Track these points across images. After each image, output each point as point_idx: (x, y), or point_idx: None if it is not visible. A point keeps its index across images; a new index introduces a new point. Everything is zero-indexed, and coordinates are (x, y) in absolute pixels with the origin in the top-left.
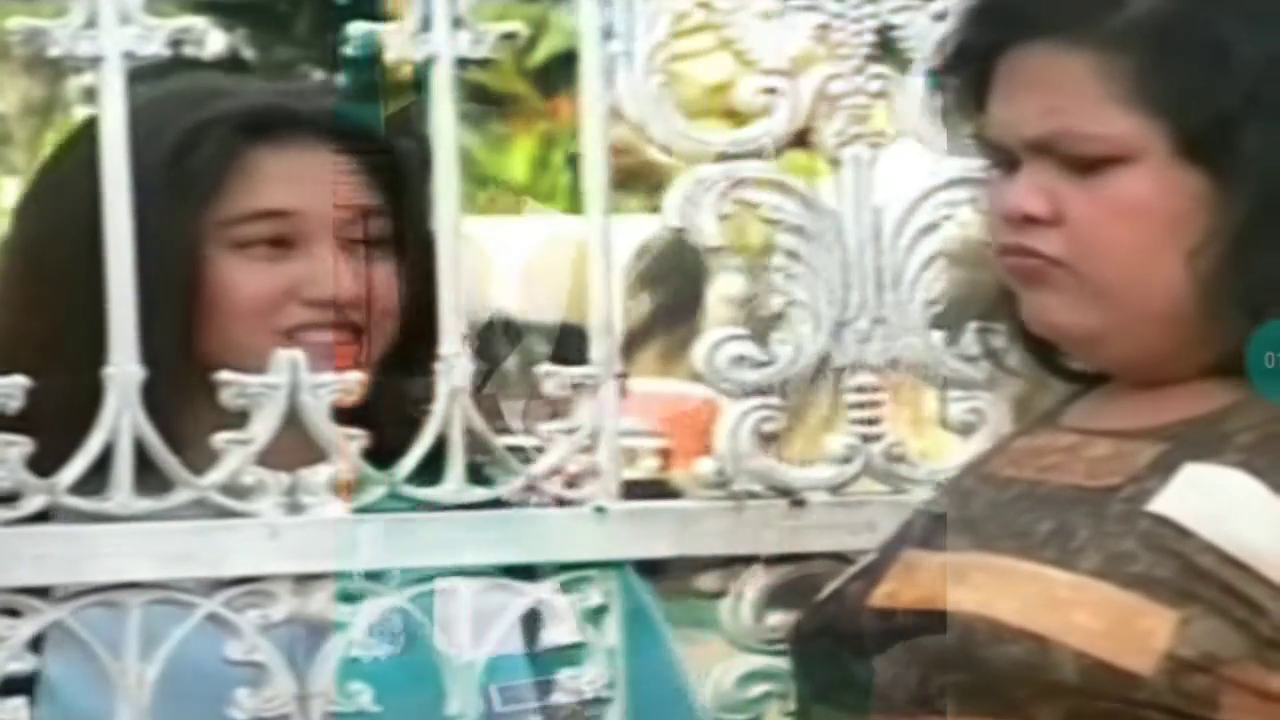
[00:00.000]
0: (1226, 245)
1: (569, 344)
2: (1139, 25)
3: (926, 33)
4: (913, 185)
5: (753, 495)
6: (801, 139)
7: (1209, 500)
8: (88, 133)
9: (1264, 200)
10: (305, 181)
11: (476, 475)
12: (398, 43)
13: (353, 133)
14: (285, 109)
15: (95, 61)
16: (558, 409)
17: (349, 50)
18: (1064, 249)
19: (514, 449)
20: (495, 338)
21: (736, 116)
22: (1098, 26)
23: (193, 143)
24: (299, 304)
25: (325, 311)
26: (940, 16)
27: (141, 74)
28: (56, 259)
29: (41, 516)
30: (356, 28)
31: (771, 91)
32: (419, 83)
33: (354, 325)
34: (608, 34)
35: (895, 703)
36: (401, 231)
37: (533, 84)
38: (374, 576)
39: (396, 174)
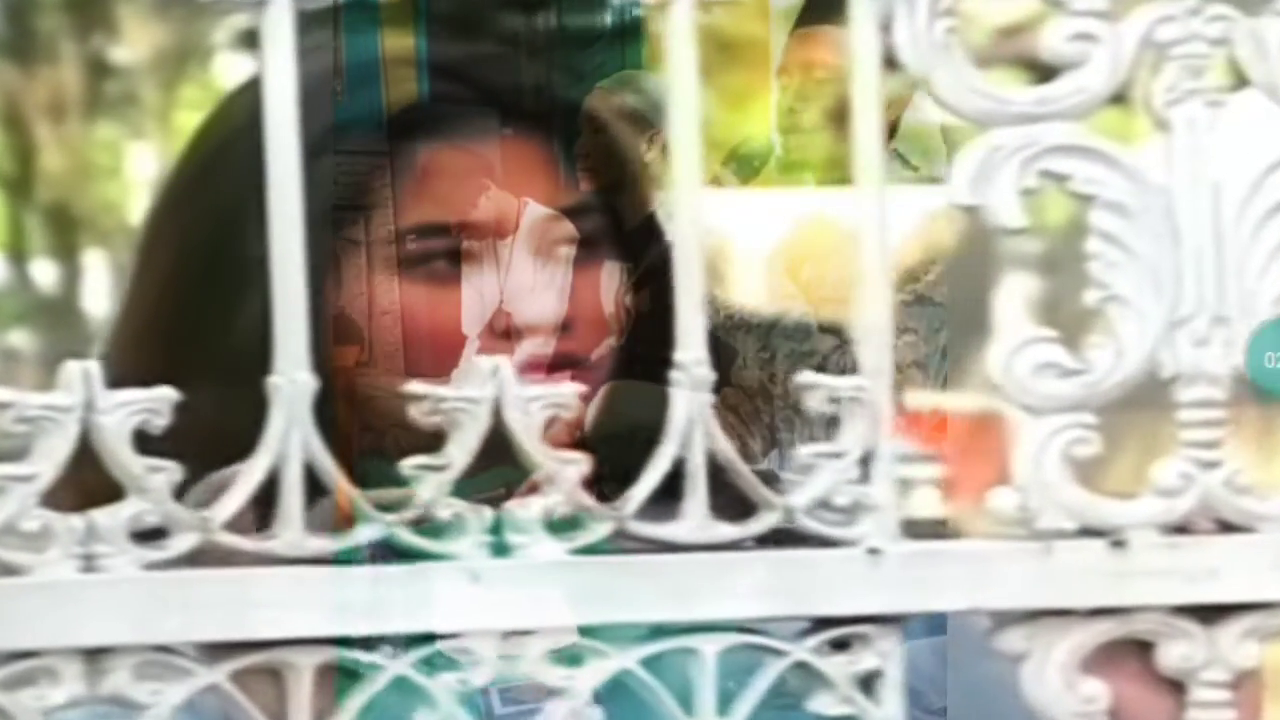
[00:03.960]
0: None
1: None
2: None
3: None
4: (1261, 153)
5: (1062, 534)
6: (1115, 95)
7: None
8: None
9: None
10: (489, 182)
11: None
12: None
13: (553, 111)
14: (455, 97)
15: (258, 4)
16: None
17: None
18: None
19: (765, 477)
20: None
21: (1036, 67)
22: None
23: (335, 142)
24: (492, 334)
25: (533, 339)
26: None
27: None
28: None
29: (191, 558)
30: None
31: (1087, 38)
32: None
33: (569, 355)
34: None
35: None
36: (618, 223)
37: (779, 27)
38: (595, 633)
39: (611, 154)
